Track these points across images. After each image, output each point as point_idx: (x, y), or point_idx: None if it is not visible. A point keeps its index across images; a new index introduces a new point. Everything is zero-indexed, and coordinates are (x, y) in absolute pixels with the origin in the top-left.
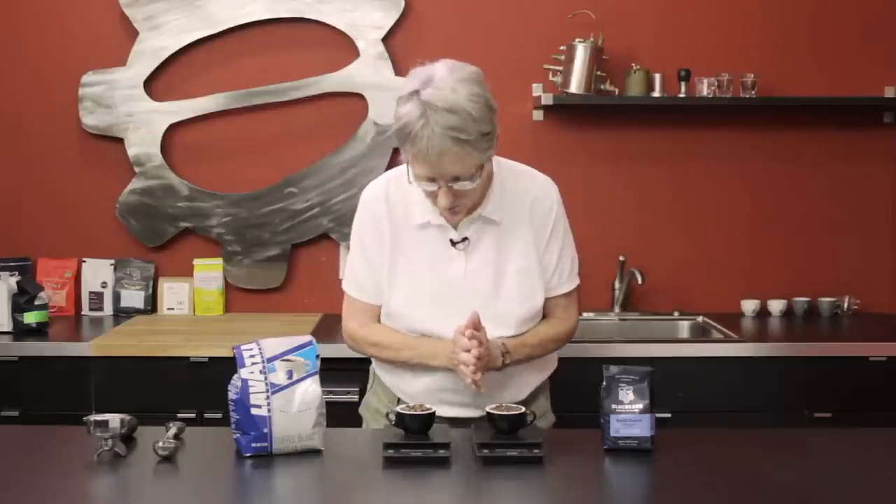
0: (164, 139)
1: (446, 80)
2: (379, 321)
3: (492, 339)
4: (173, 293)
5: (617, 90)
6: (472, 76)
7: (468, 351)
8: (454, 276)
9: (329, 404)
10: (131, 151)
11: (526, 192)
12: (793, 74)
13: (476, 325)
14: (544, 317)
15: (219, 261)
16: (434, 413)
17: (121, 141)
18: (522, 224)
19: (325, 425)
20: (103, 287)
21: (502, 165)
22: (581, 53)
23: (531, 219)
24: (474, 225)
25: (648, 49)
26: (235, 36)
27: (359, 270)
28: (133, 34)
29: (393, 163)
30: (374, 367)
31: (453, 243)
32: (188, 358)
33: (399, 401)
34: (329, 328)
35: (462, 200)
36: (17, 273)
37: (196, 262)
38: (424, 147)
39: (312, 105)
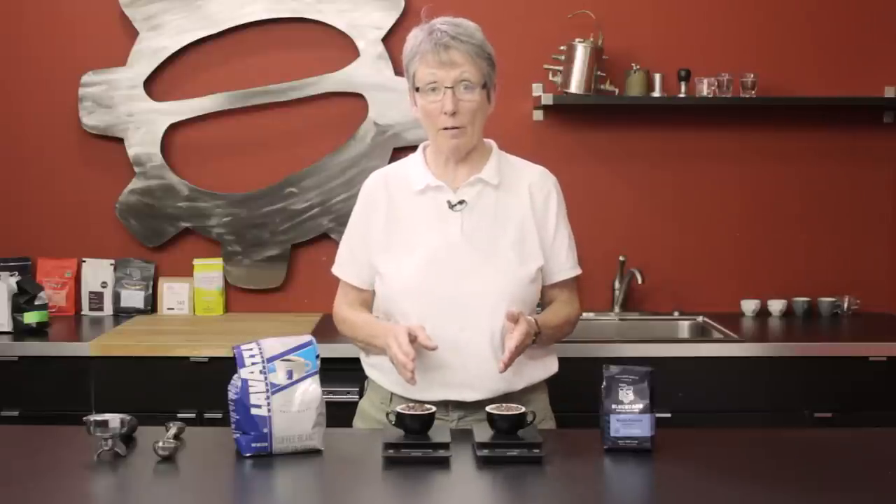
0: (164, 139)
1: (449, 17)
2: (362, 304)
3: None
4: (173, 293)
5: (617, 90)
6: (472, 23)
7: (408, 355)
8: (451, 237)
9: (329, 404)
10: (131, 151)
11: (523, 174)
12: (793, 74)
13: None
14: (550, 302)
15: (219, 261)
16: (434, 413)
17: (121, 141)
18: (521, 195)
19: (325, 425)
20: (103, 287)
21: (501, 153)
22: (581, 53)
23: (530, 195)
24: (472, 189)
25: (648, 49)
26: (235, 36)
27: (344, 252)
28: (133, 34)
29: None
30: (366, 369)
31: (451, 206)
32: (188, 358)
33: (392, 398)
34: (329, 328)
35: (464, 115)
36: (17, 273)
37: (196, 262)
38: (431, 47)
39: (312, 105)
